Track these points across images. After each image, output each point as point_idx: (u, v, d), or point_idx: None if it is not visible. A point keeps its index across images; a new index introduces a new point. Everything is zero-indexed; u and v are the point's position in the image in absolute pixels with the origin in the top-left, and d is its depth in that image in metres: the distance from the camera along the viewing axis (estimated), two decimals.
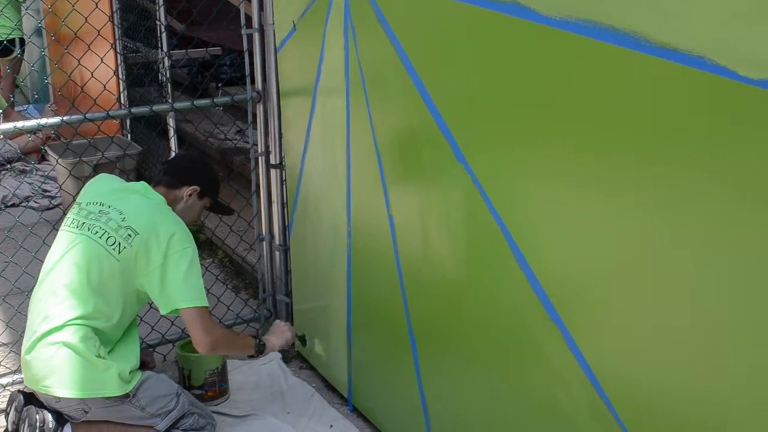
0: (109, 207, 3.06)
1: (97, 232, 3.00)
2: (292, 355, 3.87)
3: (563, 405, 2.21)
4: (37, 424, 2.94)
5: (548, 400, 2.26)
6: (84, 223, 3.04)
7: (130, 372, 2.97)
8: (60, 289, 2.97)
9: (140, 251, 2.98)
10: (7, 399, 3.26)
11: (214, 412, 3.32)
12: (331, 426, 3.31)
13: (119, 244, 2.98)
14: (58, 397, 2.91)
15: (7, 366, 3.71)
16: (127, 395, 2.95)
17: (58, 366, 2.89)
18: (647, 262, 1.90)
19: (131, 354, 3.05)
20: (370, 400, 3.32)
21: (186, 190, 3.25)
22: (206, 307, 3.04)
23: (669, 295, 1.86)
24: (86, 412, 2.95)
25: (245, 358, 3.63)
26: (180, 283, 2.98)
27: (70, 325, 2.91)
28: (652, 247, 1.88)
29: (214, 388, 3.48)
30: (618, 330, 2.01)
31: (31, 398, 3.03)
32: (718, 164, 1.69)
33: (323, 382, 3.66)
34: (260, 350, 3.31)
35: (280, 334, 3.47)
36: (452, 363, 2.71)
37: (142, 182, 3.24)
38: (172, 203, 3.20)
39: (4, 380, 3.55)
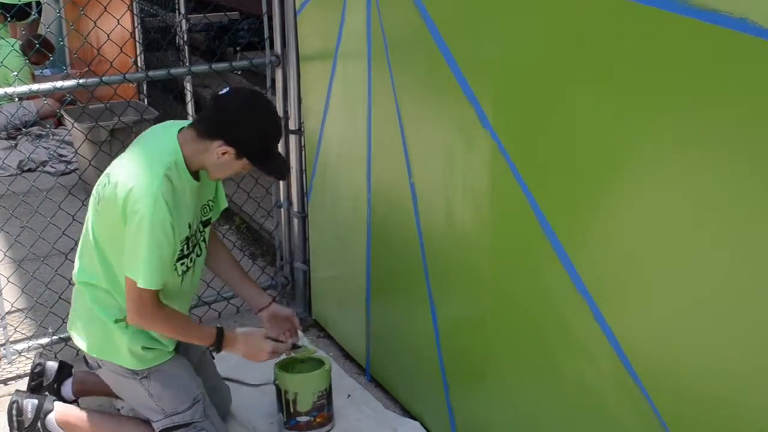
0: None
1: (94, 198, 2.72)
2: (309, 324, 3.84)
3: (590, 378, 2.17)
4: (14, 413, 2.95)
5: (574, 373, 2.23)
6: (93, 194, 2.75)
7: (143, 348, 2.72)
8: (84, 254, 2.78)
9: (109, 198, 2.58)
10: (26, 365, 3.37)
11: (225, 379, 3.20)
12: (349, 396, 3.27)
13: (97, 196, 2.66)
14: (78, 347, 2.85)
15: (23, 332, 3.69)
16: (136, 372, 2.76)
17: (80, 318, 2.80)
18: (677, 234, 1.85)
19: (149, 334, 2.75)
20: (389, 370, 3.29)
21: (217, 147, 2.58)
22: (147, 290, 2.57)
23: (698, 269, 1.82)
24: (99, 367, 2.82)
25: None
26: (129, 249, 2.56)
27: (94, 285, 2.73)
28: (682, 220, 1.83)
29: (323, 412, 3.00)
30: (646, 303, 1.97)
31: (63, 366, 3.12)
32: (757, 134, 1.62)
33: (340, 351, 3.63)
34: (218, 346, 2.79)
35: (252, 346, 2.85)
36: (474, 334, 2.66)
37: (168, 122, 2.78)
38: (195, 152, 2.61)
39: (20, 346, 3.52)
